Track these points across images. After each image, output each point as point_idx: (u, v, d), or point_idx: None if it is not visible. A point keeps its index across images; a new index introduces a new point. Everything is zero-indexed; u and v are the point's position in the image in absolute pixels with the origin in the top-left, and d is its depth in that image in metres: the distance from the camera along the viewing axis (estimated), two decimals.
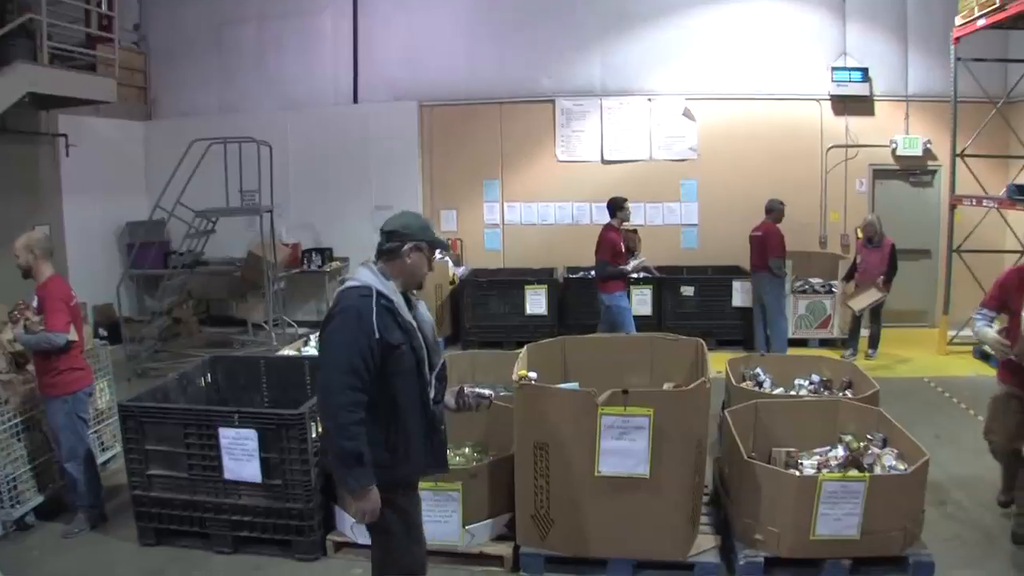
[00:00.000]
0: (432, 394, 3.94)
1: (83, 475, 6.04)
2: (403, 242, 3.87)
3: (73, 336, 5.87)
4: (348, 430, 3.55)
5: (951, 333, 11.38)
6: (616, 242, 9.72)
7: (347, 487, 3.73)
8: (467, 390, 4.28)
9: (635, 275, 10.40)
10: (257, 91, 13.98)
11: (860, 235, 10.82)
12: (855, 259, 11.00)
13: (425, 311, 4.04)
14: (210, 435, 5.56)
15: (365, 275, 3.82)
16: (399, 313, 3.77)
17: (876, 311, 10.89)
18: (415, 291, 4.03)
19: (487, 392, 4.30)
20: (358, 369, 3.58)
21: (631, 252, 9.91)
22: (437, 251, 4.10)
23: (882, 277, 10.54)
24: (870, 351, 11.01)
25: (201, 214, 11.28)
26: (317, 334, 5.96)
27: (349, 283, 3.82)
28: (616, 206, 9.83)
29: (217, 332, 13.41)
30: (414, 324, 3.84)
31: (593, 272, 12.26)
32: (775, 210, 10.61)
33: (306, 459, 5.44)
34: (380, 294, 3.73)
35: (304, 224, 13.74)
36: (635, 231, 10.65)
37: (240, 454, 5.51)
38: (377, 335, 3.64)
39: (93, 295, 11.78)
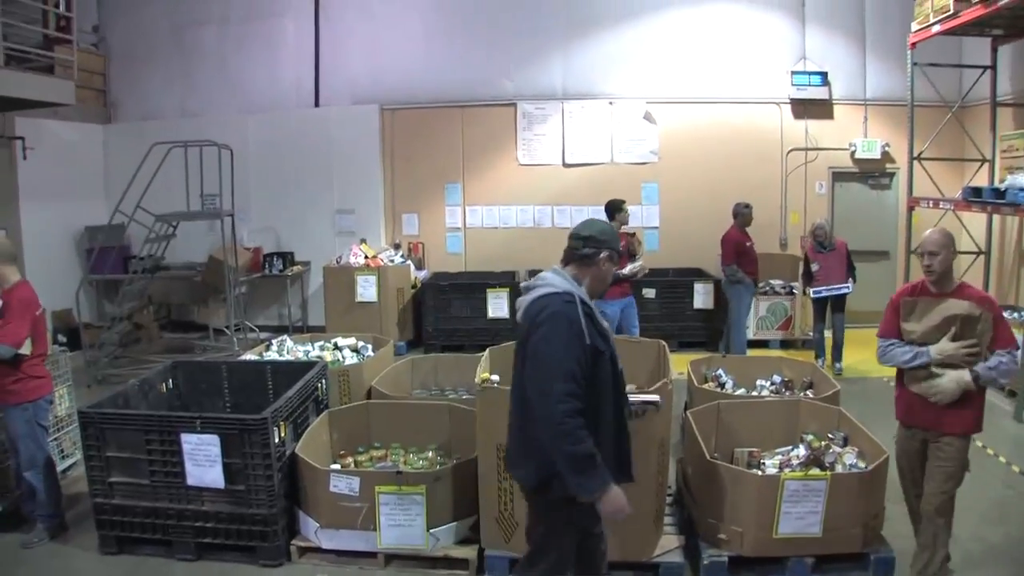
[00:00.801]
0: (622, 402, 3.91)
1: (43, 484, 5.94)
2: (599, 249, 3.86)
3: (25, 350, 5.74)
4: (576, 435, 3.48)
5: None
6: None
7: (586, 492, 3.59)
8: (631, 398, 4.18)
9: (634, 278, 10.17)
10: (218, 94, 13.87)
11: (810, 240, 10.64)
12: (807, 266, 10.63)
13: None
14: (172, 441, 5.51)
15: (560, 281, 3.79)
16: (597, 320, 3.75)
17: (839, 306, 10.57)
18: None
19: (655, 398, 4.22)
20: (576, 375, 3.53)
21: (632, 256, 9.83)
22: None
23: (849, 283, 10.39)
24: (837, 365, 10.59)
25: (162, 218, 11.17)
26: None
27: (545, 289, 3.76)
28: (615, 208, 9.73)
29: (178, 337, 13.28)
30: (609, 331, 3.81)
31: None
32: (739, 214, 10.56)
33: (269, 464, 5.41)
34: (582, 300, 3.71)
35: (265, 228, 13.65)
36: (634, 234, 10.54)
37: (203, 460, 5.46)
38: (588, 341, 3.61)
39: (52, 301, 11.60)
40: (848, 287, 10.38)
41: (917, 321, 4.78)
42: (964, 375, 4.60)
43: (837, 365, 10.60)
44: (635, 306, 9.92)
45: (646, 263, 10.01)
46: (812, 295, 10.59)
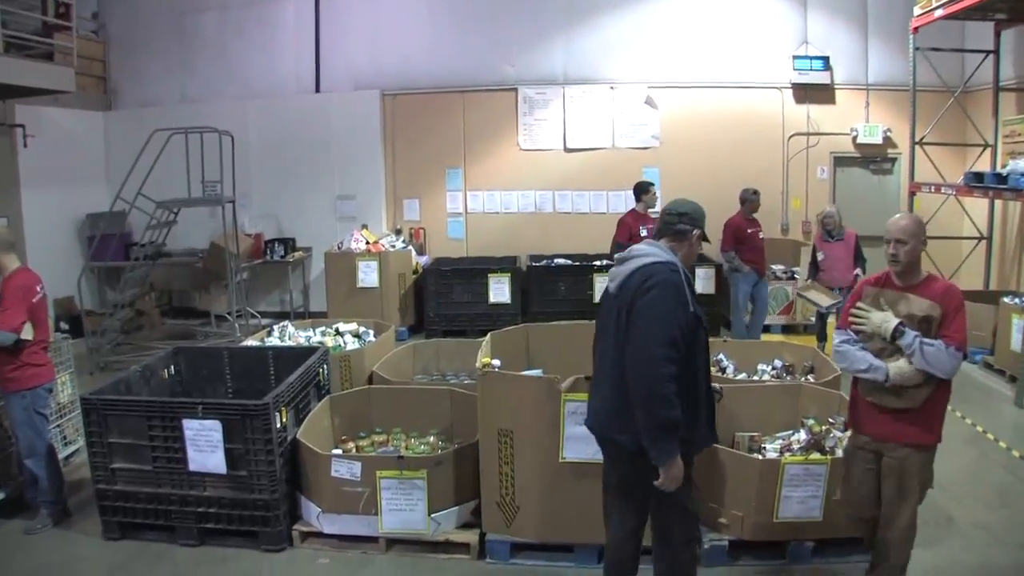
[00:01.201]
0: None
1: (44, 471, 5.96)
2: (694, 226, 4.11)
3: (27, 336, 5.74)
4: (669, 400, 3.66)
5: None
6: (632, 225, 9.63)
7: (661, 456, 3.76)
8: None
9: None
10: (218, 80, 13.84)
11: (819, 228, 10.42)
12: (814, 256, 10.39)
13: None
14: (174, 427, 5.52)
15: (661, 252, 4.01)
16: (693, 290, 3.97)
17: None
18: None
19: (717, 387, 4.38)
20: (676, 341, 3.72)
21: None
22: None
23: (857, 272, 9.78)
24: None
25: (163, 205, 11.16)
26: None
27: (649, 259, 3.94)
28: (641, 190, 9.82)
29: (180, 324, 13.28)
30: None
31: (555, 261, 12.36)
32: (745, 201, 10.41)
33: (271, 449, 5.42)
34: (684, 271, 3.96)
35: (266, 214, 13.65)
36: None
37: (204, 446, 5.47)
38: (691, 308, 3.84)
39: (54, 288, 11.59)
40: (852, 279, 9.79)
41: None
42: (891, 322, 4.29)
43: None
44: None
45: None
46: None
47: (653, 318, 3.74)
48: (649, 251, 3.99)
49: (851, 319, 4.47)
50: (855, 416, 4.60)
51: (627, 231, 9.58)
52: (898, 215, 4.57)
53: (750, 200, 10.41)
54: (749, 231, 10.34)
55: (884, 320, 4.32)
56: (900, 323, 4.26)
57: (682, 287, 3.84)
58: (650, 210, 9.95)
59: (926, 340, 4.19)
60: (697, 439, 4.02)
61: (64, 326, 11.13)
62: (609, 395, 4.00)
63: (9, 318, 5.58)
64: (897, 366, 4.25)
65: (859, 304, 4.49)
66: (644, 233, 9.54)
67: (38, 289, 5.90)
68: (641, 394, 3.71)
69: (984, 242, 11.83)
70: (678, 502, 4.01)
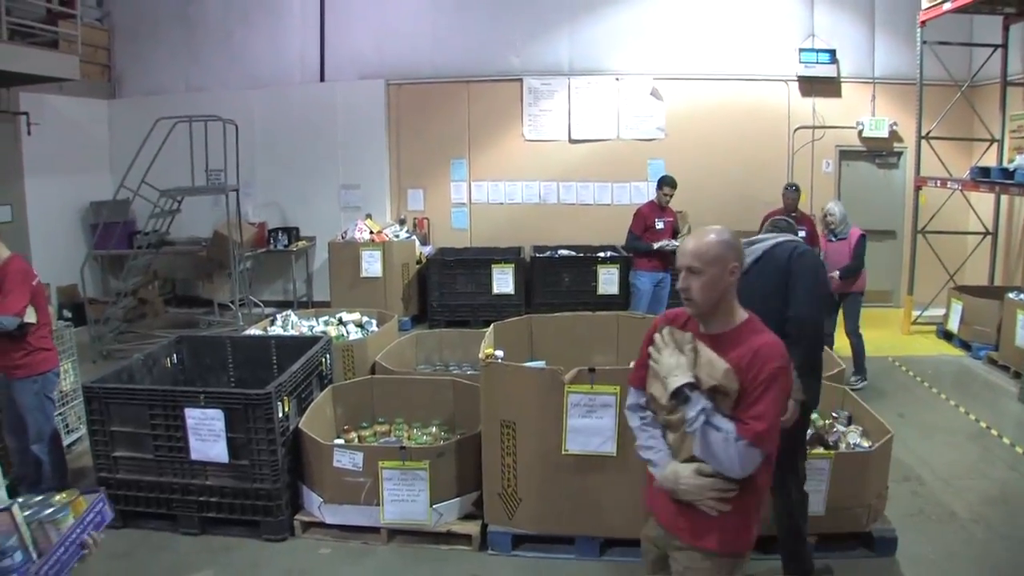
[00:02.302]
0: None
1: (49, 456, 5.97)
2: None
3: (31, 319, 5.74)
4: (821, 347, 4.41)
5: (915, 313, 11.53)
6: (647, 216, 9.53)
7: (812, 394, 4.41)
8: None
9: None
10: (223, 69, 13.81)
11: (822, 226, 9.35)
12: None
13: None
14: (176, 416, 5.51)
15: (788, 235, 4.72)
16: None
17: (853, 312, 8.88)
18: None
19: None
20: (826, 301, 4.34)
21: (675, 233, 9.64)
22: None
23: (835, 273, 8.46)
24: (854, 379, 8.80)
25: (166, 193, 11.15)
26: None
27: (783, 237, 4.65)
28: (670, 184, 9.62)
29: (183, 312, 13.29)
30: None
31: (559, 252, 12.34)
32: (782, 196, 9.86)
33: (273, 439, 5.41)
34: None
35: (270, 203, 13.65)
36: (681, 213, 10.14)
37: (207, 435, 5.47)
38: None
39: (57, 276, 11.65)
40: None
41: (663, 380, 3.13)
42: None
43: (854, 379, 8.84)
44: (669, 287, 9.54)
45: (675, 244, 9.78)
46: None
47: (816, 282, 4.46)
48: (778, 235, 4.71)
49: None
50: (648, 487, 3.40)
51: (643, 223, 9.52)
52: (702, 229, 3.20)
53: (784, 196, 9.83)
54: None
55: (671, 371, 3.08)
56: (688, 383, 3.01)
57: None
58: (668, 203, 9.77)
59: (715, 420, 2.95)
60: (817, 395, 4.58)
61: (67, 314, 11.13)
62: None
63: (12, 302, 5.58)
64: (673, 470, 3.11)
65: (657, 335, 3.25)
66: (661, 226, 9.52)
67: (35, 273, 5.91)
68: (808, 343, 4.32)
69: (990, 237, 11.78)
70: (795, 448, 4.51)
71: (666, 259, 9.40)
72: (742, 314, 3.16)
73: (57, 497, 2.91)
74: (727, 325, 3.12)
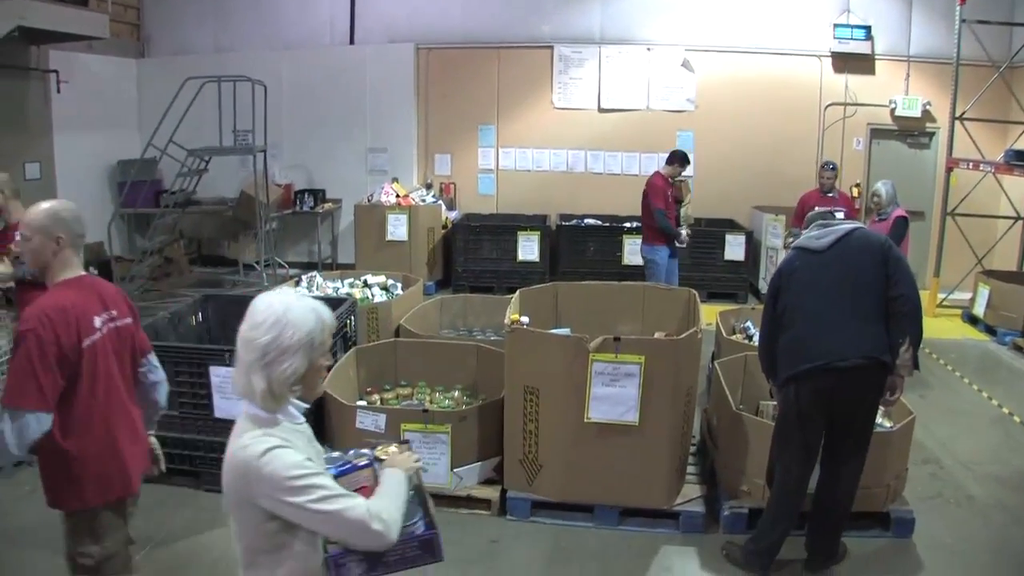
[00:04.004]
0: None
1: None
2: None
3: None
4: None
5: (941, 295, 11.44)
6: (666, 189, 9.38)
7: (916, 362, 4.67)
8: None
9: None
10: (252, 30, 13.79)
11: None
12: None
13: None
14: (201, 373, 5.56)
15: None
16: None
17: None
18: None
19: None
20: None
21: (678, 201, 9.60)
22: None
23: None
24: None
25: (194, 153, 11.18)
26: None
27: (854, 224, 4.84)
28: (682, 161, 9.48)
29: (208, 272, 13.37)
30: None
31: (585, 221, 12.25)
32: (819, 175, 9.68)
33: None
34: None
35: (297, 165, 13.66)
36: (684, 181, 10.05)
37: (231, 393, 5.49)
38: None
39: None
40: None
41: None
42: None
43: None
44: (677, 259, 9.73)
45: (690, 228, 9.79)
46: None
47: (907, 262, 4.70)
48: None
49: None
50: None
51: (663, 196, 9.39)
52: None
53: (820, 175, 9.61)
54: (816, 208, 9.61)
55: None
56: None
57: None
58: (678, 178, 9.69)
59: None
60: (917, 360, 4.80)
61: (93, 271, 11.16)
62: (875, 328, 4.53)
63: None
64: None
65: None
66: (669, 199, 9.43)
67: None
68: (917, 317, 4.59)
69: (1021, 223, 11.63)
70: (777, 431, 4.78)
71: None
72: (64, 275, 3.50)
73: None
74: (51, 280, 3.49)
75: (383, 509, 2.41)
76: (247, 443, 2.35)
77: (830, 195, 9.23)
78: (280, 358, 2.34)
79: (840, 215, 5.29)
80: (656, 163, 12.38)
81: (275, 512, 2.34)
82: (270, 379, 2.35)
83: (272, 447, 2.32)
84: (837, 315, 4.51)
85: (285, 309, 2.37)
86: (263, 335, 2.33)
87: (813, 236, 4.73)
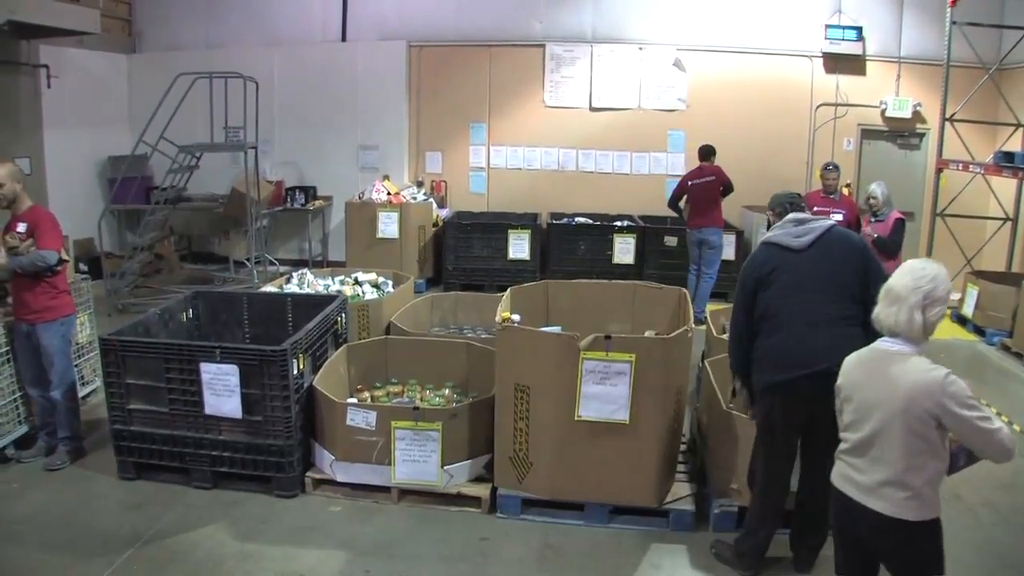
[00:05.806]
0: None
1: (68, 403, 6.08)
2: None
3: (65, 256, 5.92)
4: None
5: None
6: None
7: None
8: None
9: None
10: (244, 26, 13.75)
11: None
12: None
13: None
14: (191, 370, 5.54)
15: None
16: None
17: None
18: None
19: None
20: None
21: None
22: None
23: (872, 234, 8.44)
24: None
25: (185, 149, 11.13)
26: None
27: (830, 221, 4.78)
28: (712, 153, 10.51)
29: (198, 269, 13.34)
30: None
31: (576, 219, 12.27)
32: (821, 176, 9.59)
33: (287, 396, 5.44)
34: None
35: (288, 162, 13.64)
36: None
37: (221, 390, 5.50)
38: None
39: (74, 229, 11.64)
40: None
41: None
42: None
43: None
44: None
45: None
46: None
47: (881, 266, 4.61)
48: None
49: None
50: None
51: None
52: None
53: (822, 176, 9.49)
54: (814, 210, 9.36)
55: None
56: None
57: None
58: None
59: None
60: None
61: (83, 267, 11.17)
62: (847, 330, 4.37)
63: (51, 239, 5.75)
64: None
65: None
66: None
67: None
68: None
69: (1009, 223, 11.68)
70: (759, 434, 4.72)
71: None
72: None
73: None
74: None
75: (1011, 436, 3.24)
76: (929, 367, 3.25)
77: (832, 196, 9.17)
78: (932, 304, 3.25)
79: (838, 217, 5.33)
80: (647, 163, 12.49)
81: (942, 420, 3.18)
82: (925, 318, 3.25)
83: (949, 372, 3.21)
84: (823, 319, 4.43)
85: (937, 271, 3.27)
86: (926, 284, 3.22)
87: (790, 233, 4.63)
